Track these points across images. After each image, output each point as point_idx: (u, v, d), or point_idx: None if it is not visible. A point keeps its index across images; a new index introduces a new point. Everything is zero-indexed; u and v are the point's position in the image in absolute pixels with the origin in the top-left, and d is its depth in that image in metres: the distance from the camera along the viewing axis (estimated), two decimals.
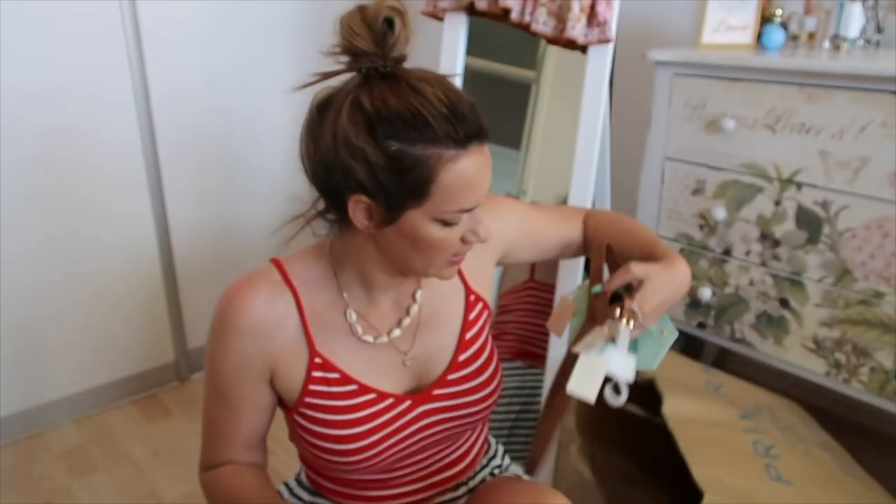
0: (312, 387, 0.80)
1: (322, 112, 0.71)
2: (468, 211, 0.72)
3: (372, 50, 0.68)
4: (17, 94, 1.64)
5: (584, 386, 0.72)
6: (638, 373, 0.76)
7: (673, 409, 1.27)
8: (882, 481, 1.42)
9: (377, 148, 0.67)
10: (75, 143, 1.76)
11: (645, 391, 1.32)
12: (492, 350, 0.90)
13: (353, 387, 0.81)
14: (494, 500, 0.87)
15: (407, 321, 0.84)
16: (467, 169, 0.68)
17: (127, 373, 1.99)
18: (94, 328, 1.89)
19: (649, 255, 0.81)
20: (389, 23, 0.68)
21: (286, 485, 0.99)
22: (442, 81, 0.70)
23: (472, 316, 0.88)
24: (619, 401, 0.74)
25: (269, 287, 0.79)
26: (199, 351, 2.10)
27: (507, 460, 1.04)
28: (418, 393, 0.84)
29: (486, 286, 0.91)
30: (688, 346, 2.10)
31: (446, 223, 0.71)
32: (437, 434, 0.86)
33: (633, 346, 0.76)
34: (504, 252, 0.92)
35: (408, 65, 0.72)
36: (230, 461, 0.84)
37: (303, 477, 0.97)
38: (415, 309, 0.85)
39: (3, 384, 1.78)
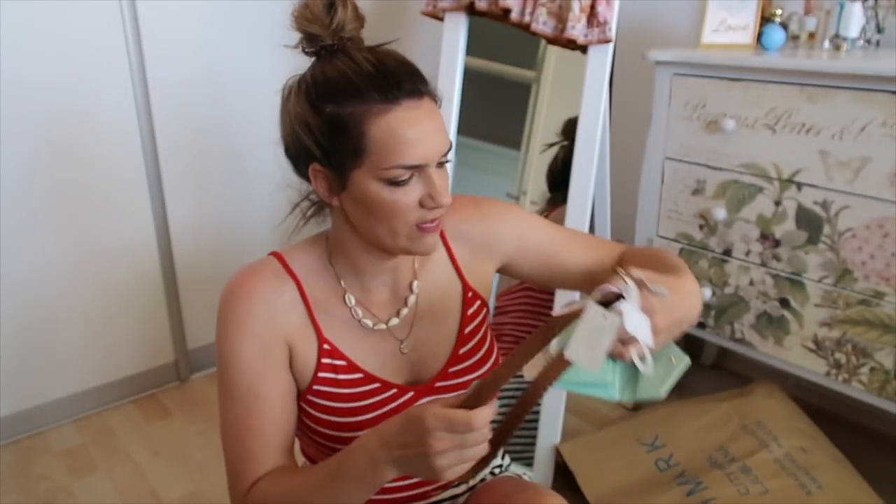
0: (321, 374, 0.80)
1: (286, 96, 0.78)
2: (411, 169, 0.71)
3: (320, 32, 0.75)
4: (16, 93, 1.64)
5: (584, 351, 0.59)
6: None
7: None
8: (882, 481, 1.42)
9: (315, 112, 0.73)
10: (75, 143, 1.76)
11: None
12: (491, 345, 0.90)
13: (359, 375, 0.81)
14: (493, 499, 0.87)
15: (405, 311, 0.85)
16: (398, 123, 0.70)
17: (127, 373, 1.98)
18: (94, 328, 1.89)
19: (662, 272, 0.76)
20: (331, 6, 0.74)
21: None
22: (375, 47, 0.75)
23: (469, 311, 0.88)
24: (647, 367, 0.62)
25: (273, 275, 0.80)
26: (198, 351, 2.10)
27: (507, 460, 1.04)
28: (420, 385, 0.84)
29: (486, 288, 0.91)
30: (688, 345, 2.10)
31: (392, 182, 0.71)
32: None
33: (635, 373, 0.64)
34: (505, 260, 0.90)
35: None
36: (267, 474, 0.78)
37: None
38: (412, 299, 0.85)
39: (3, 384, 1.78)
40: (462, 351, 0.87)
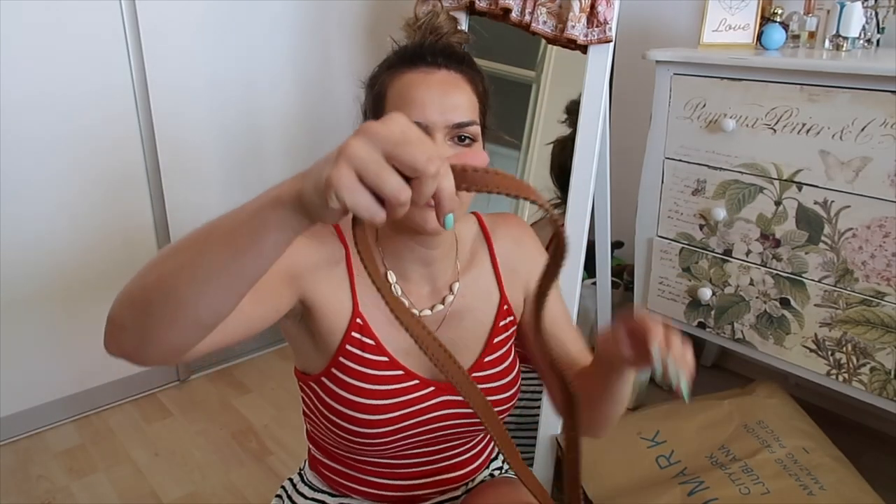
0: (349, 347, 0.80)
1: None
2: None
3: (414, 35, 0.83)
4: (14, 95, 1.64)
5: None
6: None
7: None
8: (883, 481, 1.42)
9: (368, 81, 0.83)
10: (75, 146, 1.76)
11: None
12: (514, 360, 0.90)
13: (385, 358, 0.81)
14: (483, 499, 0.87)
15: (440, 307, 0.85)
16: (408, 82, 0.76)
17: (126, 373, 1.98)
18: (94, 328, 1.89)
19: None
20: (432, 14, 0.83)
21: (290, 480, 0.99)
22: (443, 40, 0.81)
23: (501, 323, 0.89)
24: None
25: (326, 235, 0.81)
26: None
27: (506, 465, 1.03)
28: (441, 382, 0.84)
29: (517, 308, 0.91)
30: None
31: None
32: (451, 427, 0.85)
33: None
34: (524, 293, 0.92)
35: None
36: None
37: (306, 470, 0.97)
38: (450, 299, 0.86)
39: (3, 384, 1.78)
40: (487, 359, 0.87)
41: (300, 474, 0.98)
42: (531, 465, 1.54)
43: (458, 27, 0.83)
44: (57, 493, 1.62)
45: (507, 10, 1.47)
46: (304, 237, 0.74)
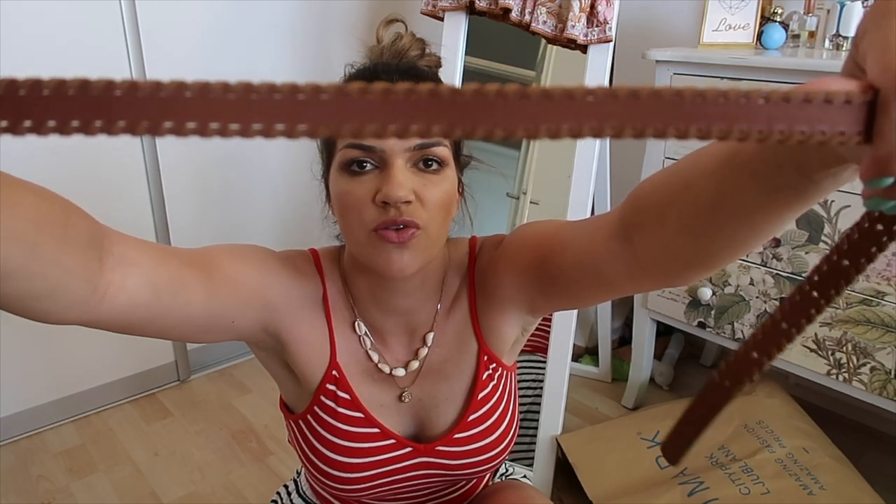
0: (323, 398, 0.75)
1: None
2: (364, 150, 0.64)
3: (377, 58, 0.77)
4: None
5: None
6: None
7: None
8: (883, 481, 1.42)
9: None
10: (74, 150, 1.76)
11: None
12: (505, 409, 0.81)
13: (360, 415, 0.75)
14: (484, 502, 0.85)
15: (415, 364, 0.78)
16: None
17: (126, 373, 1.98)
18: (93, 329, 1.89)
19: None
20: (397, 38, 0.77)
21: (285, 486, 0.98)
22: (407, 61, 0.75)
23: (484, 376, 0.79)
24: None
25: (308, 269, 0.75)
26: (198, 351, 2.10)
27: (511, 469, 1.02)
28: (421, 443, 0.78)
29: (505, 345, 0.79)
30: (688, 345, 2.10)
31: (347, 168, 0.65)
32: (433, 484, 0.81)
33: None
34: (525, 303, 0.74)
35: None
36: (109, 237, 0.54)
37: (301, 480, 0.96)
38: (423, 352, 0.78)
39: (3, 384, 1.78)
40: (472, 417, 0.78)
41: (295, 481, 0.97)
42: (531, 465, 1.54)
43: (427, 49, 0.75)
44: (57, 493, 1.62)
45: (507, 10, 1.47)
46: (285, 269, 0.72)
